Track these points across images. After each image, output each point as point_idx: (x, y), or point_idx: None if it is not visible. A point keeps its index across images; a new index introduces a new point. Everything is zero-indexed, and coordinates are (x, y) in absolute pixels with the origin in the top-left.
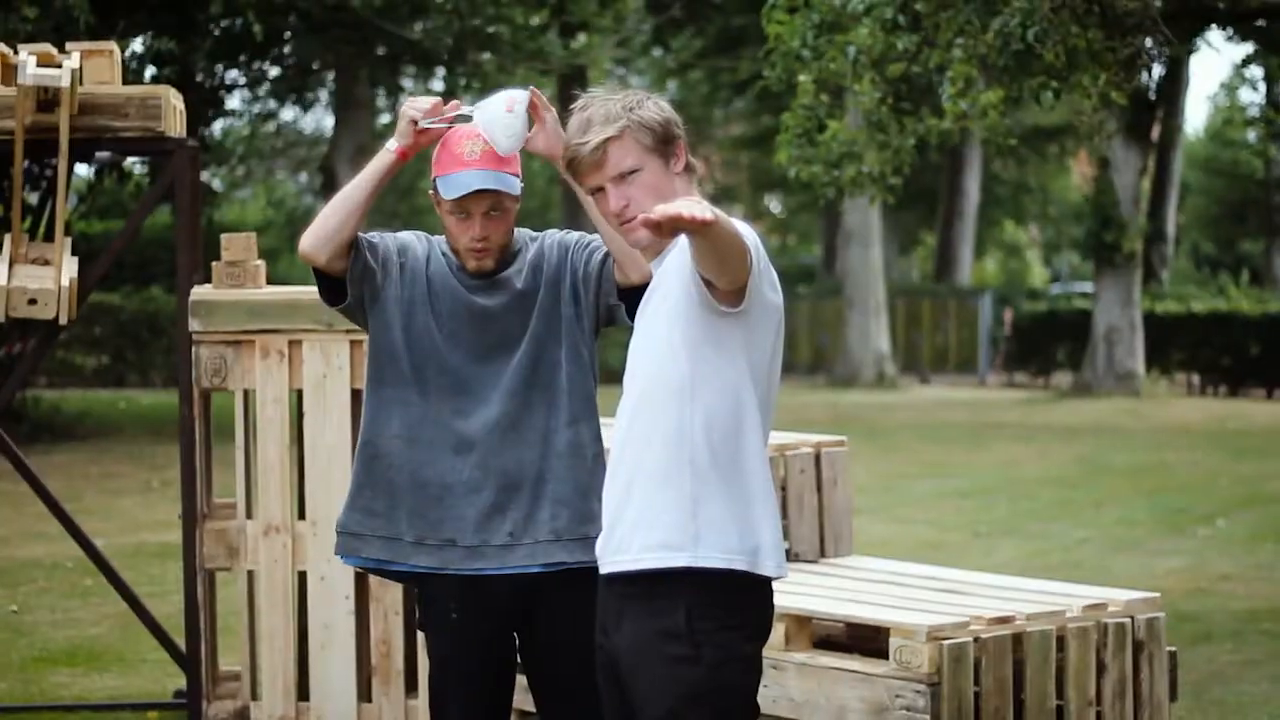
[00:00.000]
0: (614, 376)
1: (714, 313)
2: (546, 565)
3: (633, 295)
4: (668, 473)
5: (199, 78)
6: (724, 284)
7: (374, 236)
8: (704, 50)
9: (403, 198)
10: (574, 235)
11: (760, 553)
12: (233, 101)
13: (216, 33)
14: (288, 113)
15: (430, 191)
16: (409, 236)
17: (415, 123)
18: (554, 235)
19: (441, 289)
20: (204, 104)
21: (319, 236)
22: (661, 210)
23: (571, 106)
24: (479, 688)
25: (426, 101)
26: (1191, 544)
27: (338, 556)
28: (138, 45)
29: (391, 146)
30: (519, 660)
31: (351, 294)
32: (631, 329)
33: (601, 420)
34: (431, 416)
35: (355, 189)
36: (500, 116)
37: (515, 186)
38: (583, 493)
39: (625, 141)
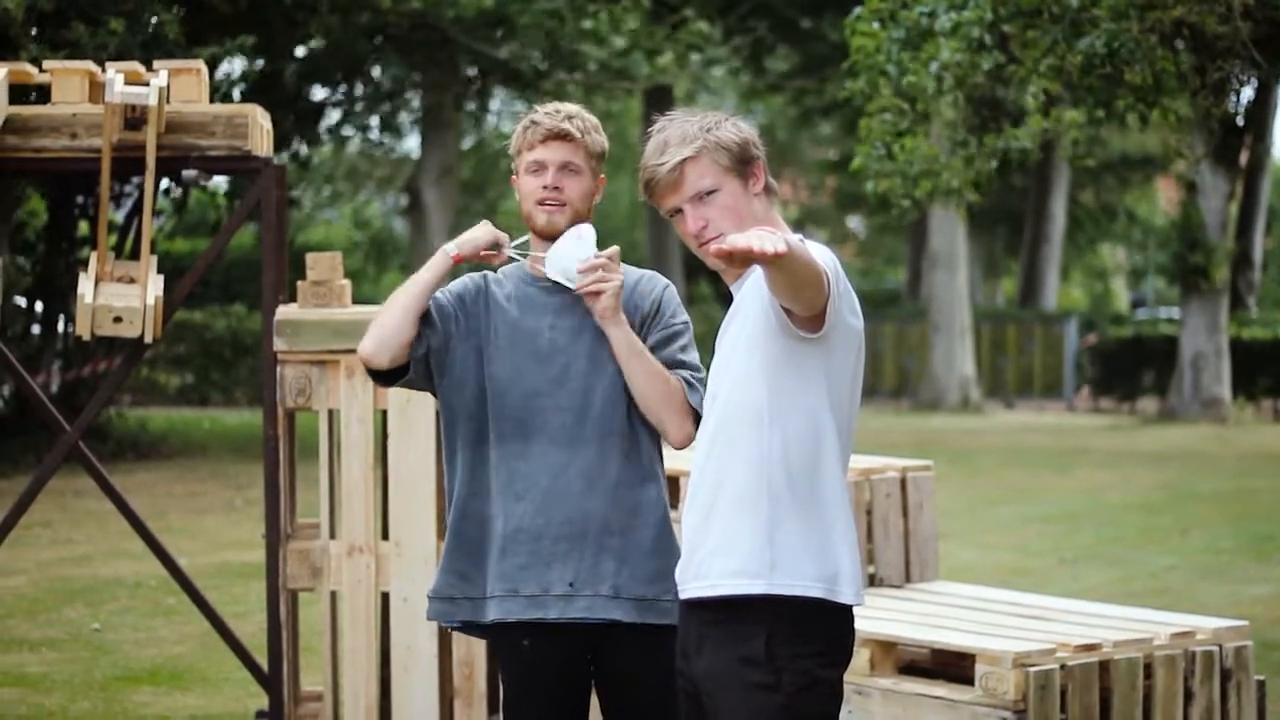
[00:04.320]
0: None
1: (794, 338)
2: (604, 620)
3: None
4: (746, 499)
5: (292, 92)
6: (801, 310)
7: (431, 307)
8: (790, 72)
9: (487, 218)
10: (670, 299)
11: (839, 580)
12: (322, 122)
13: (304, 52)
14: (374, 133)
15: (512, 176)
16: (465, 283)
17: (497, 247)
18: (655, 283)
19: (502, 325)
20: (296, 122)
21: (380, 341)
22: (731, 241)
23: (649, 129)
24: (553, 714)
25: (499, 233)
26: (1279, 571)
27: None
28: (227, 64)
29: (450, 250)
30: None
31: (414, 372)
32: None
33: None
34: (496, 462)
35: (411, 293)
36: (570, 245)
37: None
38: (647, 553)
39: (702, 162)
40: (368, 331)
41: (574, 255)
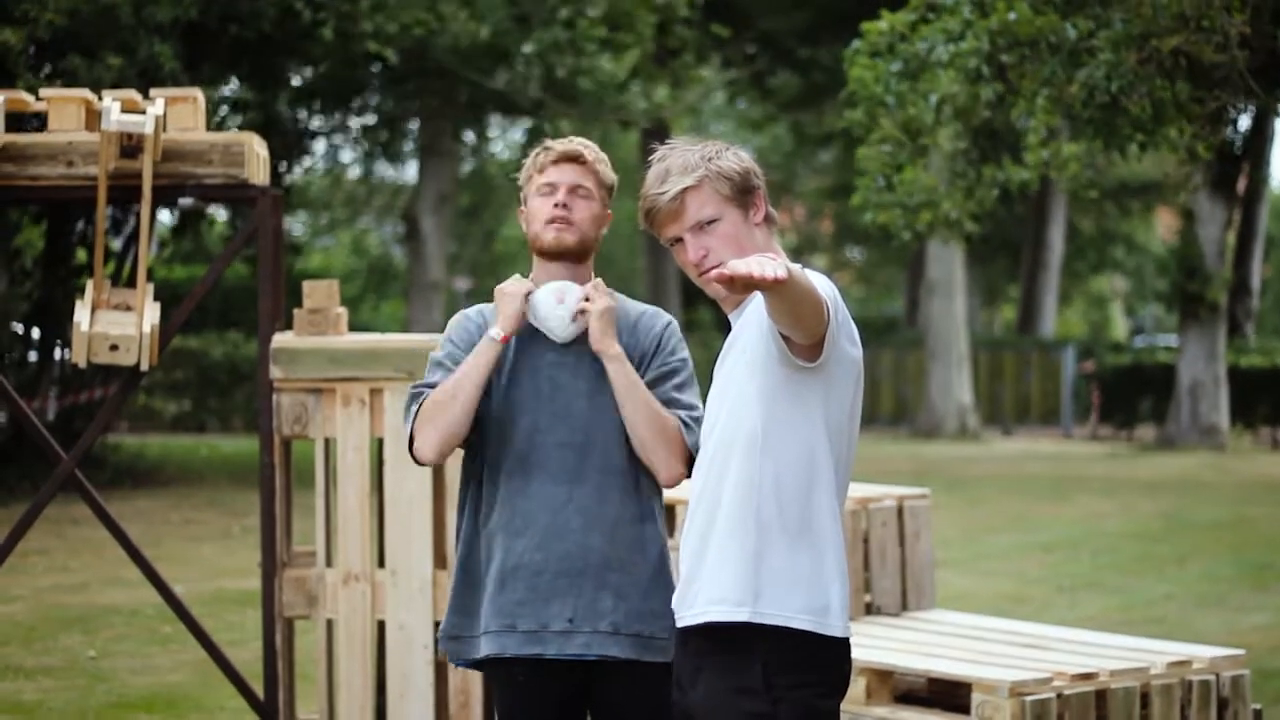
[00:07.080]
0: None
1: (792, 367)
2: (602, 657)
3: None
4: (735, 526)
5: (288, 119)
6: (800, 338)
7: None
8: (789, 101)
9: (484, 246)
10: (671, 336)
11: (829, 613)
12: (317, 149)
13: (299, 81)
14: (370, 160)
15: (520, 209)
16: (468, 327)
17: (526, 299)
18: (657, 320)
19: (503, 362)
20: (288, 150)
21: (443, 447)
22: (733, 267)
23: (650, 157)
24: None
25: (518, 284)
26: (1276, 600)
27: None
28: (223, 91)
29: (496, 335)
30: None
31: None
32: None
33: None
34: (496, 498)
35: (470, 389)
36: (552, 308)
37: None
38: (645, 590)
39: (703, 191)
40: (422, 432)
41: (555, 314)
